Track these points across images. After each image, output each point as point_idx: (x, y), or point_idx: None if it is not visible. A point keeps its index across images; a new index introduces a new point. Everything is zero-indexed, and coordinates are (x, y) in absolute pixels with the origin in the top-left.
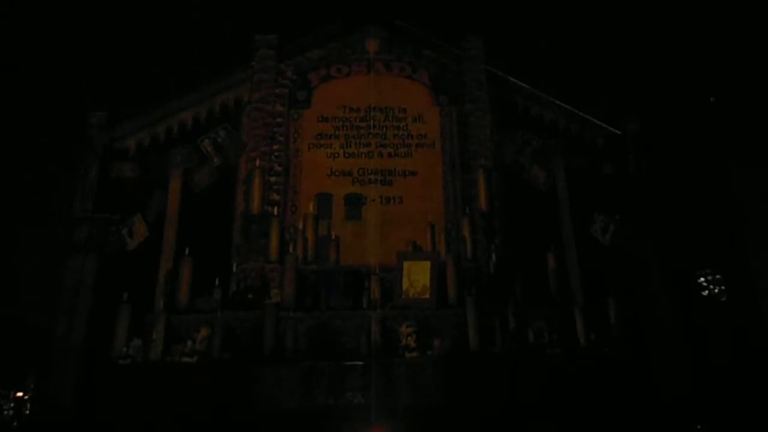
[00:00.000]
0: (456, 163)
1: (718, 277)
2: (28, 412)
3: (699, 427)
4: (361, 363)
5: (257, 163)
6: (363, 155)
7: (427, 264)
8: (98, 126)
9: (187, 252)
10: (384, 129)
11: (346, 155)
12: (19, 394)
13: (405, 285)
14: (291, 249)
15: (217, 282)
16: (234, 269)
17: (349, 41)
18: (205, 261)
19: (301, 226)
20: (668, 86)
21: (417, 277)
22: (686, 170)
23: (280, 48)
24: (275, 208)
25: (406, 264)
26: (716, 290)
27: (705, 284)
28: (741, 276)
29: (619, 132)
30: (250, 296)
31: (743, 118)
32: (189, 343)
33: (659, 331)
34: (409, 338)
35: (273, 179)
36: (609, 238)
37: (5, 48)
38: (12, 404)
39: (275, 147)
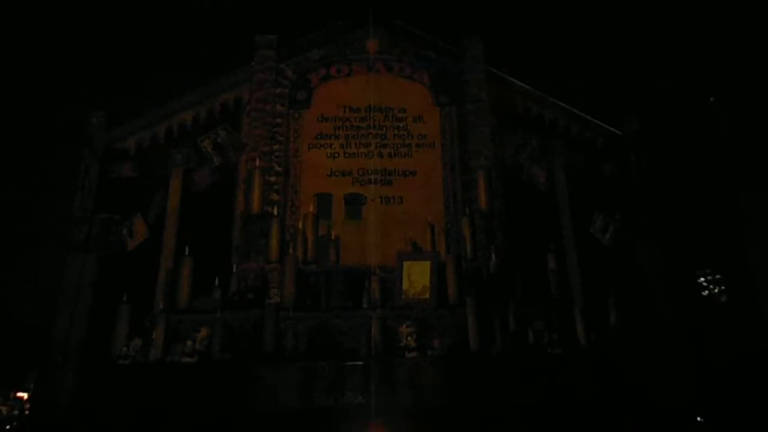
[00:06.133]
0: (456, 163)
1: (718, 277)
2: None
3: (699, 419)
4: (361, 363)
5: (257, 163)
6: (363, 155)
7: (427, 264)
8: (98, 126)
9: (187, 252)
10: (384, 129)
11: (346, 155)
12: (20, 394)
13: (405, 285)
14: (291, 249)
15: (217, 282)
16: (234, 269)
17: (349, 41)
18: (205, 261)
19: (301, 226)
20: (668, 86)
21: (417, 277)
22: (686, 170)
23: (280, 48)
24: (275, 208)
25: (406, 264)
26: (716, 290)
27: (705, 284)
28: (741, 276)
29: (619, 132)
30: (250, 296)
31: (743, 117)
32: (189, 343)
33: (659, 332)
34: (409, 338)
35: (273, 179)
36: (609, 238)
37: (6, 48)
38: (8, 403)
39: (275, 147)
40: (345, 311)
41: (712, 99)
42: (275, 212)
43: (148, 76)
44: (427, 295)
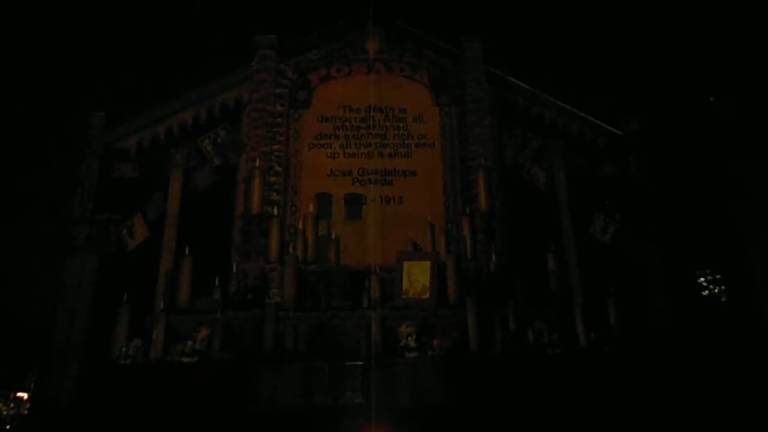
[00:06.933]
0: (456, 163)
1: (718, 277)
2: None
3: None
4: (361, 363)
5: (257, 163)
6: (363, 155)
7: (427, 264)
8: (98, 126)
9: (187, 252)
10: (384, 129)
11: (346, 155)
12: (20, 394)
13: (405, 285)
14: (291, 249)
15: (217, 282)
16: (234, 269)
17: (349, 41)
18: (205, 261)
19: (301, 226)
20: (668, 86)
21: (417, 277)
22: (686, 170)
23: (280, 48)
24: (275, 208)
25: (406, 264)
26: (716, 290)
27: (705, 284)
28: (741, 276)
29: (619, 132)
30: (250, 296)
31: (743, 117)
32: (189, 343)
33: (659, 331)
34: (409, 338)
35: (273, 179)
36: (609, 238)
37: (6, 48)
38: (12, 404)
39: (275, 147)
40: (345, 311)
41: (712, 99)
42: (275, 212)
43: (148, 76)
44: (427, 295)
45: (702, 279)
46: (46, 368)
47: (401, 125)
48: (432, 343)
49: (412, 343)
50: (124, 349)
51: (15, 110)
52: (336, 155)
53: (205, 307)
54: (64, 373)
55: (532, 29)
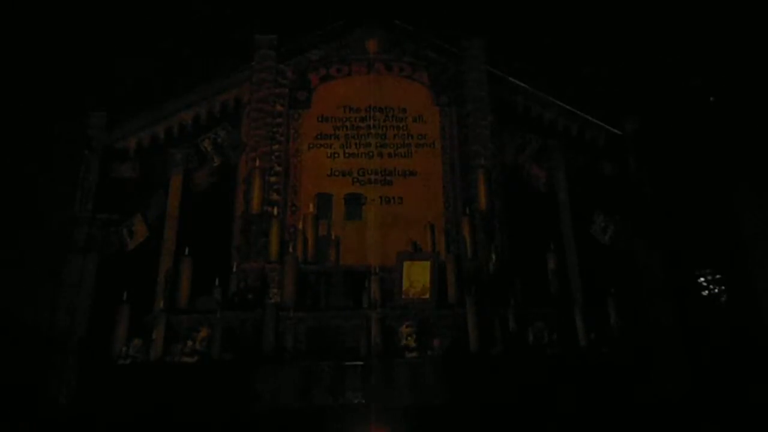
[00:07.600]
0: (456, 163)
1: (718, 277)
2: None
3: None
4: (361, 363)
5: (257, 163)
6: (363, 155)
7: (427, 264)
8: (98, 126)
9: (187, 252)
10: (384, 129)
11: (346, 155)
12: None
13: (405, 285)
14: (291, 249)
15: (217, 282)
16: (234, 269)
17: (349, 41)
18: (205, 261)
19: (301, 226)
20: (668, 86)
21: (417, 277)
22: (686, 170)
23: (280, 48)
24: (275, 208)
25: (406, 264)
26: (716, 290)
27: (705, 284)
28: (741, 276)
29: (619, 132)
30: (250, 296)
31: (743, 117)
32: (189, 343)
33: (659, 331)
34: (409, 338)
35: (273, 179)
36: (609, 238)
37: (4, 47)
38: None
39: (275, 147)
40: (345, 311)
41: (712, 99)
42: (275, 212)
43: (149, 76)
44: (427, 295)
45: (702, 279)
46: (46, 368)
47: (401, 125)
48: (432, 343)
49: (412, 343)
50: (124, 349)
51: (14, 110)
52: (336, 155)
53: (205, 307)
54: (64, 373)
55: (532, 29)
